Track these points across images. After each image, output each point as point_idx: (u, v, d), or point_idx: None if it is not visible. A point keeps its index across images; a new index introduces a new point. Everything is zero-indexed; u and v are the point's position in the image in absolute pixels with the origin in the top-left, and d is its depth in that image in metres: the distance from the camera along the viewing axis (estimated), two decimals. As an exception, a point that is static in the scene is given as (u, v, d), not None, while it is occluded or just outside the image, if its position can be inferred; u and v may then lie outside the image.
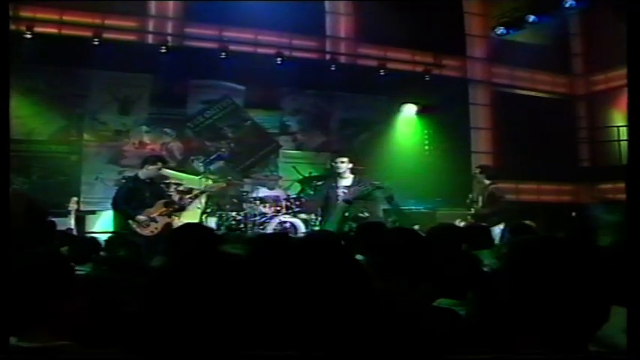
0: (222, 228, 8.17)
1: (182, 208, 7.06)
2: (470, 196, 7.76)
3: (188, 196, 7.40)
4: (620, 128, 10.91)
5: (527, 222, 5.30)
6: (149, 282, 1.40)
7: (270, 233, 7.28)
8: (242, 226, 8.28)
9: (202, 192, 7.86)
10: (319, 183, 9.13)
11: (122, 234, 6.66)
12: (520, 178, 11.09)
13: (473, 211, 7.46)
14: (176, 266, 1.40)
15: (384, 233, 3.23)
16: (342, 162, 6.82)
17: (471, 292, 2.10)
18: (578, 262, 1.50)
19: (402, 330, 1.67)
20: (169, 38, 9.61)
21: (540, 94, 12.04)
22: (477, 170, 7.90)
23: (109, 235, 7.17)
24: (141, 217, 6.51)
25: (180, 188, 7.84)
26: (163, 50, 9.33)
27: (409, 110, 11.24)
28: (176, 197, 7.14)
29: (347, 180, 6.82)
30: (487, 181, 7.56)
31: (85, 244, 4.27)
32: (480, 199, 7.50)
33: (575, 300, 1.45)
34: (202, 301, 1.30)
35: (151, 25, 9.86)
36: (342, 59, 10.85)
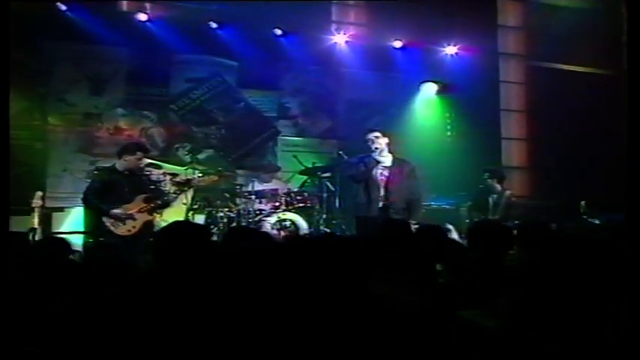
0: (212, 227, 8.10)
1: (166, 204, 6.99)
2: (490, 200, 7.82)
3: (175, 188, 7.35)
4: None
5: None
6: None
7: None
8: (235, 224, 8.20)
9: (189, 181, 7.78)
10: (325, 175, 9.09)
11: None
12: (559, 169, 10.90)
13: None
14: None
15: (385, 230, 3.23)
16: (377, 137, 6.71)
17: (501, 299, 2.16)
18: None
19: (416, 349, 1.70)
20: (148, 5, 9.47)
21: (585, 69, 11.77)
22: (486, 175, 7.92)
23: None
24: (116, 214, 6.46)
25: (177, 179, 7.79)
26: (142, 19, 9.18)
27: (429, 90, 11.10)
28: (171, 190, 7.10)
29: (386, 159, 6.75)
30: (498, 187, 7.75)
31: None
32: (494, 206, 7.68)
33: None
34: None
35: (126, -11, 9.70)
36: (351, 30, 10.68)
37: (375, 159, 6.67)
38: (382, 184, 6.65)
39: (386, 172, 6.68)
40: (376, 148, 6.68)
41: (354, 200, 6.86)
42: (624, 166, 2.21)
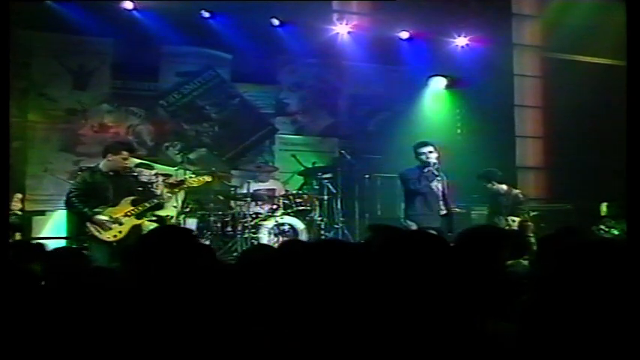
0: (205, 231, 8.16)
1: (156, 208, 6.94)
2: (500, 202, 7.99)
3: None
4: None
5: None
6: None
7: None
8: (229, 228, 8.25)
9: (183, 183, 7.75)
10: (325, 175, 9.08)
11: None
12: (578, 169, 10.84)
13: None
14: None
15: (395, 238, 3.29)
16: (431, 152, 7.24)
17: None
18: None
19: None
20: (136, -8, 9.43)
21: (605, 61, 11.65)
22: (484, 181, 8.18)
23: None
24: (100, 218, 6.40)
25: (170, 180, 7.76)
26: (128, 7, 9.14)
27: (438, 84, 11.11)
28: (163, 192, 7.07)
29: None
30: (503, 187, 8.06)
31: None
32: (505, 207, 7.91)
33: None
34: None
35: (112, -25, 9.64)
36: (354, 20, 10.63)
37: (432, 172, 7.22)
38: (440, 196, 7.26)
39: (441, 184, 7.29)
40: (432, 162, 7.25)
41: (412, 211, 7.34)
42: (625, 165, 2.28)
